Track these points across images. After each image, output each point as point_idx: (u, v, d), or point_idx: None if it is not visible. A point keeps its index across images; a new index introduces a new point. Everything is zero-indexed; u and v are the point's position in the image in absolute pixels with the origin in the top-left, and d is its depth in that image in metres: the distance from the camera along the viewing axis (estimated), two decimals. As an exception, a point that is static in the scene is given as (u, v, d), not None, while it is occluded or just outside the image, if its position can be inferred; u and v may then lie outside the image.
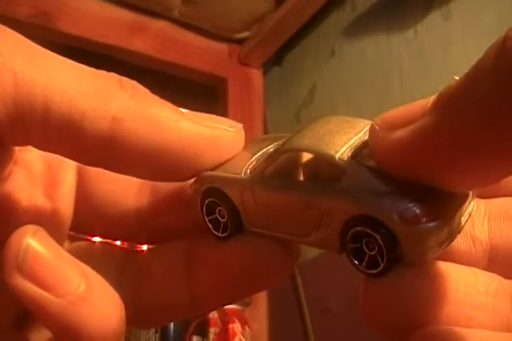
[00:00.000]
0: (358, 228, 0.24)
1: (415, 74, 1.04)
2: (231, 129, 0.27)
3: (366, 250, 0.25)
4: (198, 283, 0.29)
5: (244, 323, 1.16)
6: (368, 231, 0.24)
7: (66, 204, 0.29)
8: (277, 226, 0.27)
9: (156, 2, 1.25)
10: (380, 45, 1.12)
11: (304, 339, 1.12)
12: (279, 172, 0.27)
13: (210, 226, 0.29)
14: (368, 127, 0.25)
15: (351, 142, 0.25)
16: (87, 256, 0.26)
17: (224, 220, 0.28)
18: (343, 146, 0.25)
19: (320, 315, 1.11)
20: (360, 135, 0.25)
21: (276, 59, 1.39)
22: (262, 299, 1.23)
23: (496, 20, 0.91)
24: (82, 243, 0.30)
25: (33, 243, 0.23)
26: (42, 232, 0.24)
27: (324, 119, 0.27)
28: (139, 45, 1.25)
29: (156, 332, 0.99)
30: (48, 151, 0.25)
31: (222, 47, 1.36)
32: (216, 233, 0.29)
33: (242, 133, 0.27)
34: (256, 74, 1.39)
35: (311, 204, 0.25)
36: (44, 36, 1.16)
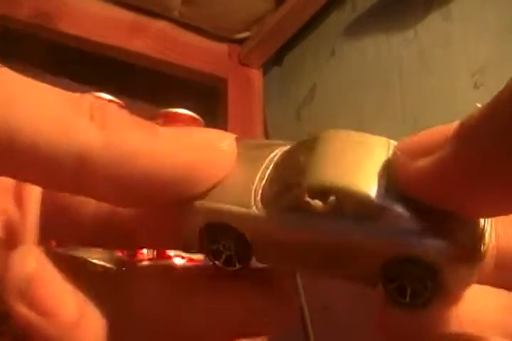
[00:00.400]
0: (401, 268, 0.23)
1: (415, 74, 1.04)
2: (221, 146, 0.24)
3: (407, 286, 0.24)
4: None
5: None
6: (412, 270, 0.23)
7: (34, 210, 0.27)
8: (298, 262, 0.25)
9: (156, 2, 1.25)
10: (380, 45, 1.12)
11: (303, 339, 1.11)
12: (298, 205, 0.24)
13: (217, 262, 0.26)
14: (381, 148, 0.24)
15: (376, 170, 0.23)
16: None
17: (229, 253, 0.25)
18: (372, 178, 0.23)
19: (320, 314, 1.11)
20: (378, 160, 0.23)
21: (277, 59, 1.38)
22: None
23: (496, 20, 0.91)
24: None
25: (37, 271, 0.23)
26: (42, 257, 0.24)
27: (331, 137, 0.24)
28: (139, 45, 1.24)
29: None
30: (13, 177, 0.24)
31: (222, 47, 1.36)
32: (226, 267, 0.26)
33: (234, 149, 0.25)
34: (256, 75, 1.38)
35: (343, 245, 0.24)
36: (44, 36, 1.17)
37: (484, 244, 0.23)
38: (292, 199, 0.24)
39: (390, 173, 0.23)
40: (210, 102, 1.36)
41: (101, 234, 0.28)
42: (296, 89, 1.32)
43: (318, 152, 0.24)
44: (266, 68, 1.41)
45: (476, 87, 0.87)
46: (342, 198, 0.23)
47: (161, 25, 1.28)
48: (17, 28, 1.16)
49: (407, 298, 0.24)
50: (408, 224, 0.23)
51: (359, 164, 0.23)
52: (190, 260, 1.03)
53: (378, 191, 0.23)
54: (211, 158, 0.24)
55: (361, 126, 1.10)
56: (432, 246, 0.22)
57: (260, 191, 0.25)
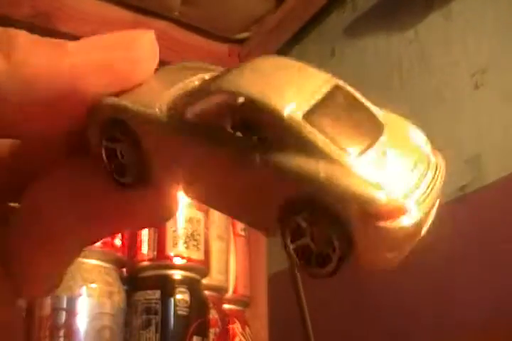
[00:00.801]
0: (302, 216, 0.20)
1: (416, 74, 1.03)
2: (138, 44, 0.24)
3: (309, 245, 0.21)
4: None
5: (244, 324, 1.16)
6: (315, 219, 0.20)
7: None
8: (196, 186, 0.23)
9: (156, 3, 1.25)
10: (381, 45, 1.12)
11: (303, 339, 1.12)
12: (204, 116, 0.22)
13: (108, 165, 0.24)
14: (329, 84, 0.22)
15: (308, 96, 0.21)
16: None
17: (125, 162, 0.24)
18: (296, 101, 0.20)
19: (320, 315, 1.11)
20: (321, 89, 0.21)
21: None
22: (262, 299, 1.22)
23: (496, 20, 0.91)
24: None
25: None
26: None
27: (270, 59, 0.23)
28: (139, 45, 1.24)
29: (157, 332, 0.99)
30: None
31: (222, 47, 1.35)
32: (118, 177, 0.24)
33: (154, 49, 0.24)
34: None
35: (243, 167, 0.21)
36: (43, 36, 1.15)
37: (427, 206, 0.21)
38: (195, 105, 0.22)
39: (327, 105, 0.21)
40: (210, 102, 1.35)
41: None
42: None
43: (244, 66, 0.22)
44: None
45: (476, 86, 0.87)
46: (249, 110, 0.21)
47: (161, 25, 1.28)
48: (16, 28, 1.15)
49: (313, 262, 0.21)
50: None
51: (289, 84, 0.21)
52: (190, 260, 1.03)
53: (297, 114, 0.20)
54: (126, 57, 0.24)
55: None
56: (347, 192, 0.19)
57: (172, 99, 0.23)
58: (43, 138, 0.25)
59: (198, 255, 1.04)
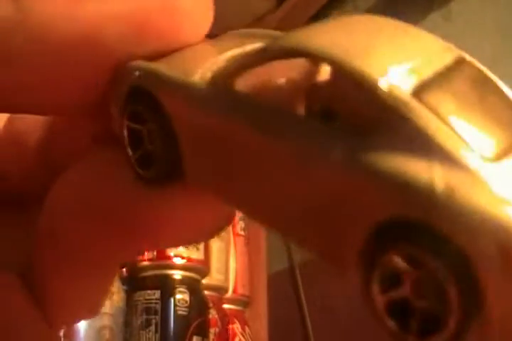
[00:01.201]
0: (401, 252, 0.13)
1: None
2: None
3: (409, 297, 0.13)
4: None
5: (244, 323, 1.17)
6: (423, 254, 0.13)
7: None
8: (241, 190, 0.17)
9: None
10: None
11: (303, 339, 1.12)
12: (262, 90, 0.16)
13: (131, 154, 0.19)
14: (450, 54, 0.16)
15: (420, 66, 0.14)
16: None
17: (154, 149, 0.18)
18: (403, 70, 0.14)
19: (320, 315, 1.11)
20: (439, 59, 0.15)
21: None
22: (262, 299, 1.22)
23: (496, 20, 0.91)
24: None
25: None
26: None
27: (364, 17, 0.17)
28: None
29: (157, 332, 0.99)
30: None
31: None
32: (138, 169, 0.18)
33: (206, 8, 0.19)
34: None
35: (315, 168, 0.14)
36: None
37: None
38: (252, 70, 0.16)
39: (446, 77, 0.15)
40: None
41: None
42: None
43: (321, 24, 0.16)
44: None
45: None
46: (329, 82, 0.16)
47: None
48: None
49: (413, 326, 0.13)
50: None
51: (385, 46, 0.15)
52: (190, 260, 1.03)
53: (398, 87, 0.14)
54: (166, 6, 0.18)
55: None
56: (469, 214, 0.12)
57: (220, 66, 0.17)
58: (64, 111, 0.21)
59: (197, 255, 1.04)
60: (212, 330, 1.06)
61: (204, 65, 0.17)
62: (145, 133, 0.18)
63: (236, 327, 1.15)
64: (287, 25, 1.25)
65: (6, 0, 0.18)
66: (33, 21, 0.18)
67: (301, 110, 0.16)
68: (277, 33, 0.19)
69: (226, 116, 0.16)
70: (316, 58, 0.15)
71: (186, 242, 0.24)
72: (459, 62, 0.16)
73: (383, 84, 0.14)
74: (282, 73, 0.17)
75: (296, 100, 0.16)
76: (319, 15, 1.26)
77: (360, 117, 0.14)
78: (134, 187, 0.19)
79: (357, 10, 1.20)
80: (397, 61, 0.14)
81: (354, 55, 0.14)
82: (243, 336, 1.15)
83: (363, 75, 0.14)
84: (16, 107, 0.20)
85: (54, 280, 0.22)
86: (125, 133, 0.19)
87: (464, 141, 0.13)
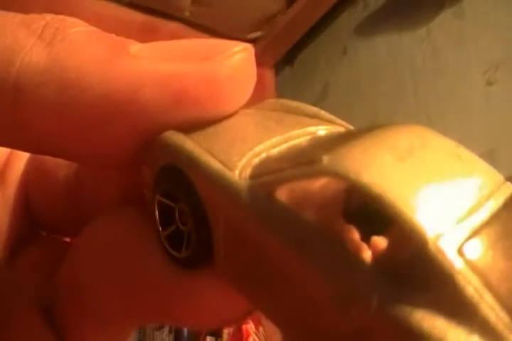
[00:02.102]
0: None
1: (428, 72, 1.03)
2: (226, 58, 0.18)
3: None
4: None
5: (258, 323, 1.15)
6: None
7: (15, 195, 0.23)
8: (263, 294, 0.17)
9: (166, 3, 1.24)
10: (393, 44, 1.11)
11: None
12: (303, 204, 0.16)
13: (161, 230, 0.19)
14: (505, 188, 0.15)
15: (464, 207, 0.14)
16: None
17: (186, 230, 0.18)
18: (446, 212, 0.14)
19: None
20: (493, 198, 0.14)
21: (288, 59, 1.37)
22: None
23: (508, 18, 0.90)
24: None
25: None
26: None
27: (413, 131, 0.16)
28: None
29: (170, 332, 0.99)
30: None
31: None
32: (168, 247, 0.18)
33: (250, 71, 0.18)
34: (268, 74, 1.36)
35: (344, 305, 0.14)
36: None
37: None
38: (295, 181, 0.16)
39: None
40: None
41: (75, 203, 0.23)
42: (309, 88, 1.30)
43: (375, 138, 0.15)
44: (278, 68, 1.39)
45: (488, 83, 0.86)
46: (374, 217, 0.14)
47: (172, 26, 1.28)
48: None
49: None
50: None
51: (442, 184, 0.14)
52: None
53: (443, 237, 0.13)
54: (208, 74, 0.17)
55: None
56: None
57: (258, 160, 0.17)
58: (92, 164, 0.20)
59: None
60: (226, 330, 1.06)
61: (244, 156, 0.17)
62: (177, 212, 0.18)
63: (250, 327, 1.14)
64: (298, 24, 1.26)
65: (42, 43, 0.17)
66: (66, 75, 0.17)
67: (340, 233, 0.15)
68: (326, 115, 0.19)
69: (261, 223, 0.16)
70: (362, 193, 0.14)
71: (204, 327, 0.22)
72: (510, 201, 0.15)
73: (430, 236, 0.13)
74: (322, 188, 0.16)
75: (335, 222, 0.15)
76: (330, 15, 1.24)
77: (400, 260, 0.14)
78: (163, 265, 0.19)
79: (368, 9, 1.18)
80: (447, 204, 0.14)
81: (400, 198, 0.14)
82: (257, 336, 1.14)
83: (411, 225, 0.13)
84: (44, 151, 0.20)
85: (72, 327, 0.22)
86: (156, 207, 0.19)
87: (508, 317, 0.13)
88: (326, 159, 0.15)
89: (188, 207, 0.17)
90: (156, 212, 0.19)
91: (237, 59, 0.18)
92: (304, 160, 0.15)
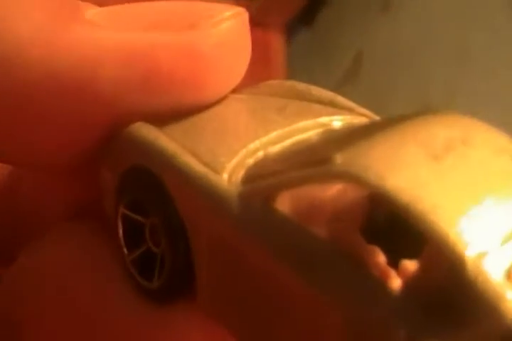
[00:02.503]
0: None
1: (502, 31, 0.89)
2: (208, 28, 0.17)
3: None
4: None
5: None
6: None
7: None
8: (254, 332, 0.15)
9: None
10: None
11: None
12: (308, 215, 0.15)
13: (127, 253, 0.17)
14: None
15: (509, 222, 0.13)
16: None
17: (156, 250, 0.16)
18: (488, 228, 0.13)
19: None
20: None
21: (306, 17, 1.21)
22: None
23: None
24: None
25: None
26: None
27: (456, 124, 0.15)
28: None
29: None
30: None
31: (228, 1, 1.15)
32: (139, 278, 0.17)
33: (245, 42, 0.18)
34: (275, 40, 1.20)
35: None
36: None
37: None
38: (298, 187, 0.15)
39: None
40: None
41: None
42: (335, 58, 1.15)
43: (393, 136, 0.15)
44: (290, 30, 1.25)
45: None
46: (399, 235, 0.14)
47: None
48: None
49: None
50: None
51: (483, 195, 0.13)
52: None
53: (485, 259, 0.12)
54: (184, 47, 0.17)
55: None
56: None
57: (253, 161, 0.16)
58: (39, 168, 0.19)
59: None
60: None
61: (235, 155, 0.16)
62: (147, 229, 0.17)
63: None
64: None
65: None
66: (3, 45, 0.16)
67: (360, 254, 0.14)
68: (330, 95, 0.19)
69: (256, 240, 0.15)
70: (383, 200, 0.14)
71: None
72: None
73: (471, 255, 0.13)
74: (335, 196, 0.16)
75: (354, 240, 0.15)
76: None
77: (434, 285, 0.13)
78: (129, 299, 0.18)
79: None
80: (493, 218, 0.13)
81: (441, 209, 0.13)
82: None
83: (446, 240, 0.13)
84: None
85: None
86: (120, 223, 0.18)
87: None
88: (339, 158, 0.14)
89: (161, 221, 0.16)
90: (120, 230, 0.18)
91: (226, 27, 0.18)
92: (312, 160, 0.15)
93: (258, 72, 1.05)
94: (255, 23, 0.94)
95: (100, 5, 0.18)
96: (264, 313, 0.15)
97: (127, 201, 0.17)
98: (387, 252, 0.14)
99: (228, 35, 0.17)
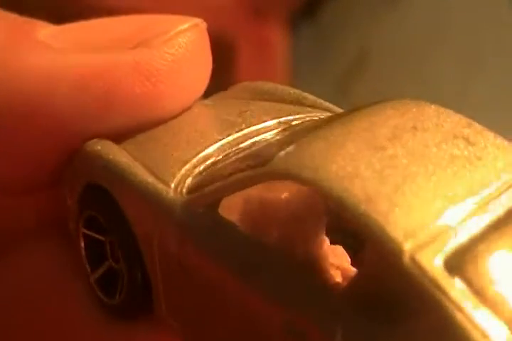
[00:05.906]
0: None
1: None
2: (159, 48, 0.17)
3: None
4: None
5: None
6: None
7: None
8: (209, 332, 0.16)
9: None
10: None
11: None
12: (252, 220, 0.15)
13: (90, 271, 0.17)
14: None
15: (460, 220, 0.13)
16: None
17: (117, 267, 0.17)
18: (429, 217, 0.13)
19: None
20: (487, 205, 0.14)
21: (308, 9, 1.19)
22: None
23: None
24: None
25: None
26: None
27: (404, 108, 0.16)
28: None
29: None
30: None
31: None
32: (102, 295, 0.17)
33: (204, 56, 0.19)
34: (275, 36, 1.17)
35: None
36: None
37: None
38: (236, 192, 0.15)
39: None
40: (212, 74, 1.16)
41: None
42: (338, 53, 1.14)
43: (324, 136, 0.15)
44: (293, 23, 1.22)
45: None
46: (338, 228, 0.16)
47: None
48: None
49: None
50: None
51: (418, 188, 0.14)
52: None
53: (423, 250, 0.12)
54: (139, 66, 0.17)
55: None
56: None
57: (203, 168, 0.17)
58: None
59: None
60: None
61: (185, 165, 0.16)
62: (108, 247, 0.17)
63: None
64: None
65: None
66: None
67: (305, 256, 0.15)
68: (296, 93, 0.20)
69: (200, 247, 0.15)
70: (322, 195, 0.14)
71: None
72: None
73: (408, 247, 0.12)
74: (289, 199, 0.16)
75: (300, 242, 0.15)
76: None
77: (374, 282, 0.13)
78: (92, 317, 0.18)
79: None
80: (437, 206, 0.13)
81: (367, 203, 0.13)
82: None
83: (381, 233, 0.12)
84: None
85: None
86: (82, 242, 0.18)
87: None
88: (278, 158, 0.14)
89: (117, 238, 0.16)
90: (82, 250, 0.18)
91: (181, 42, 0.17)
92: (258, 162, 0.15)
93: (261, 65, 1.02)
94: (257, 15, 0.92)
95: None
96: (216, 320, 0.15)
97: (85, 220, 0.17)
98: (356, 249, 0.14)
99: (183, 50, 0.17)
